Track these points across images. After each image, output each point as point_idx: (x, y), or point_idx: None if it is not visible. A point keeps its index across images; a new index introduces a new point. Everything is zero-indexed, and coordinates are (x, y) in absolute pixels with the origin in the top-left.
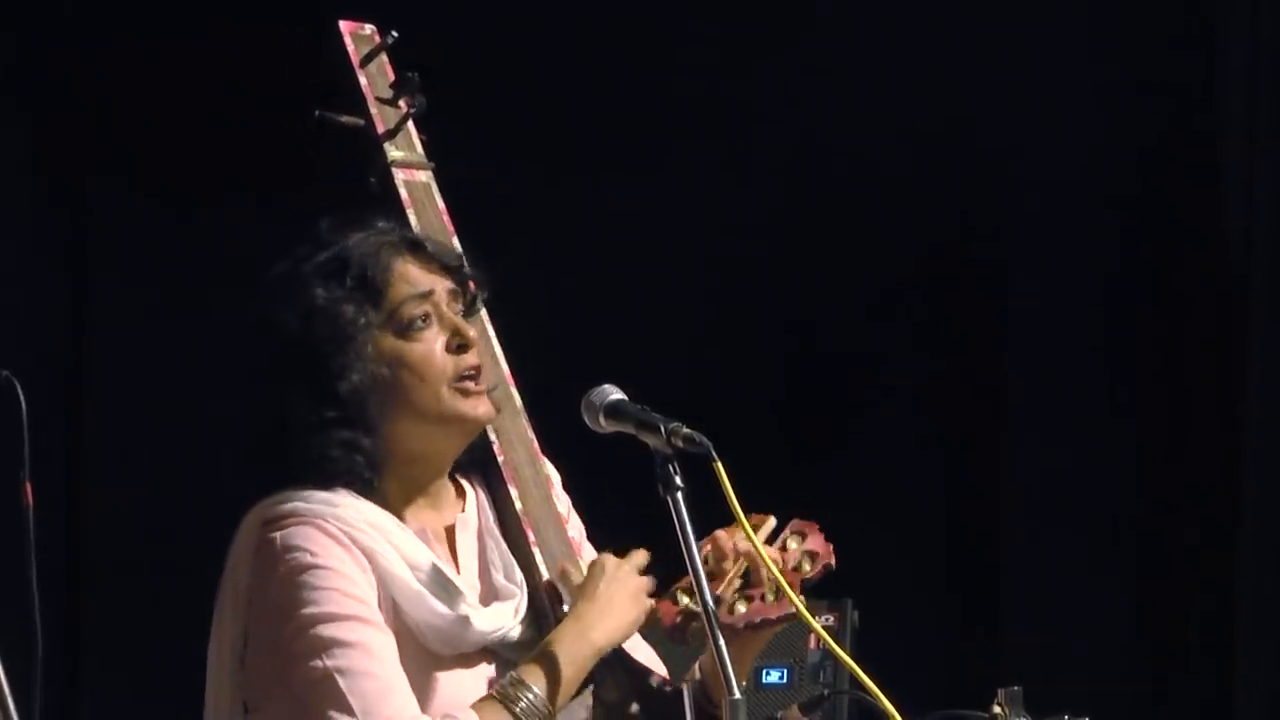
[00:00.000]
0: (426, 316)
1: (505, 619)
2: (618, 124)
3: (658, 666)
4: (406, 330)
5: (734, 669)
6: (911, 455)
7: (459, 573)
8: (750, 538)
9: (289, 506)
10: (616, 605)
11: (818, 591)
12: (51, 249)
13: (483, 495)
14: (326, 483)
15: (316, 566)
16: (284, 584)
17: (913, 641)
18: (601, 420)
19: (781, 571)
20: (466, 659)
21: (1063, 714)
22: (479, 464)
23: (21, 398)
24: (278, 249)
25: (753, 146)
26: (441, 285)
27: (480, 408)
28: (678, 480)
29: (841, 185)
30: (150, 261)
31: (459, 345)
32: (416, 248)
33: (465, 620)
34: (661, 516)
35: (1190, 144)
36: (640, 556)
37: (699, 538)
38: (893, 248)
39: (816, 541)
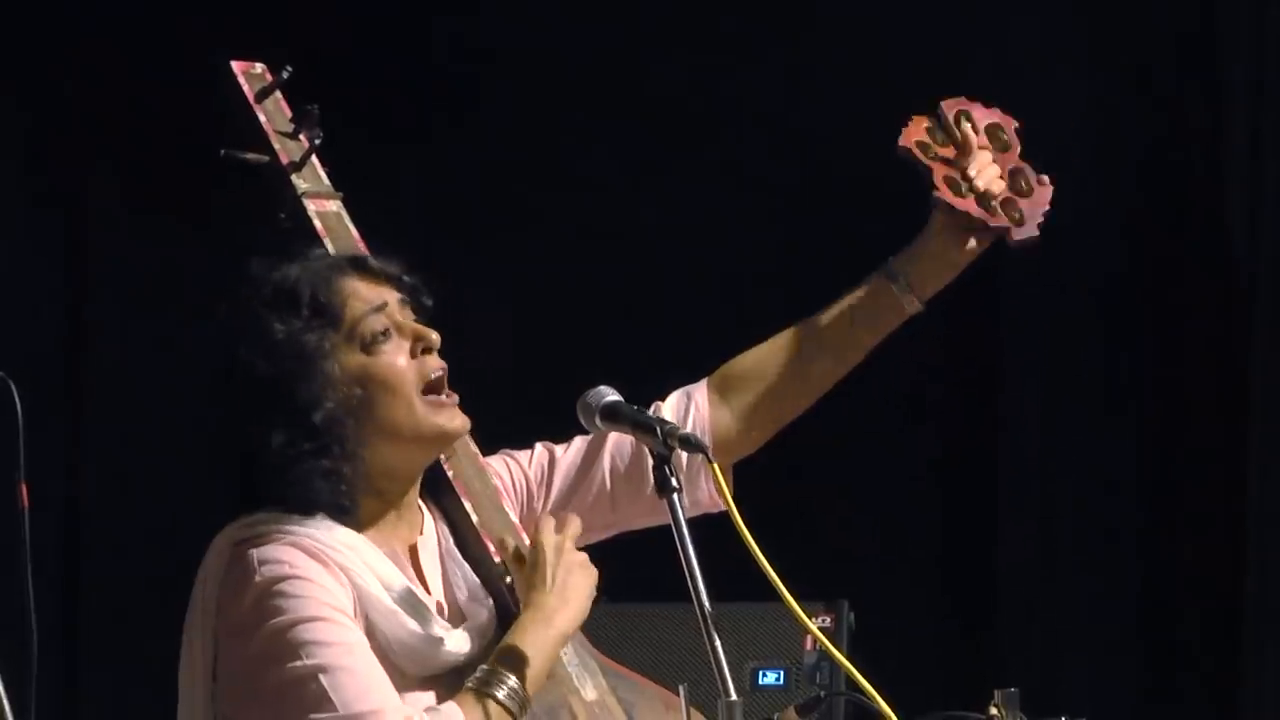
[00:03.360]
0: (386, 330)
1: (474, 640)
2: (614, 125)
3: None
4: (370, 346)
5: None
6: (908, 455)
7: (429, 593)
8: (746, 538)
9: (263, 527)
10: (571, 588)
11: (814, 593)
12: (51, 249)
13: (440, 518)
14: (306, 510)
15: (293, 577)
16: (259, 594)
17: (909, 643)
18: (598, 421)
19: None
20: (434, 680)
21: (1060, 715)
22: (428, 485)
23: (17, 399)
24: (274, 252)
25: (750, 148)
26: (392, 297)
27: (455, 420)
28: (674, 481)
29: (839, 189)
30: (149, 262)
31: (424, 350)
32: (360, 264)
33: (439, 640)
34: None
35: (1193, 146)
36: (575, 525)
37: (695, 539)
38: (888, 253)
39: (992, 115)
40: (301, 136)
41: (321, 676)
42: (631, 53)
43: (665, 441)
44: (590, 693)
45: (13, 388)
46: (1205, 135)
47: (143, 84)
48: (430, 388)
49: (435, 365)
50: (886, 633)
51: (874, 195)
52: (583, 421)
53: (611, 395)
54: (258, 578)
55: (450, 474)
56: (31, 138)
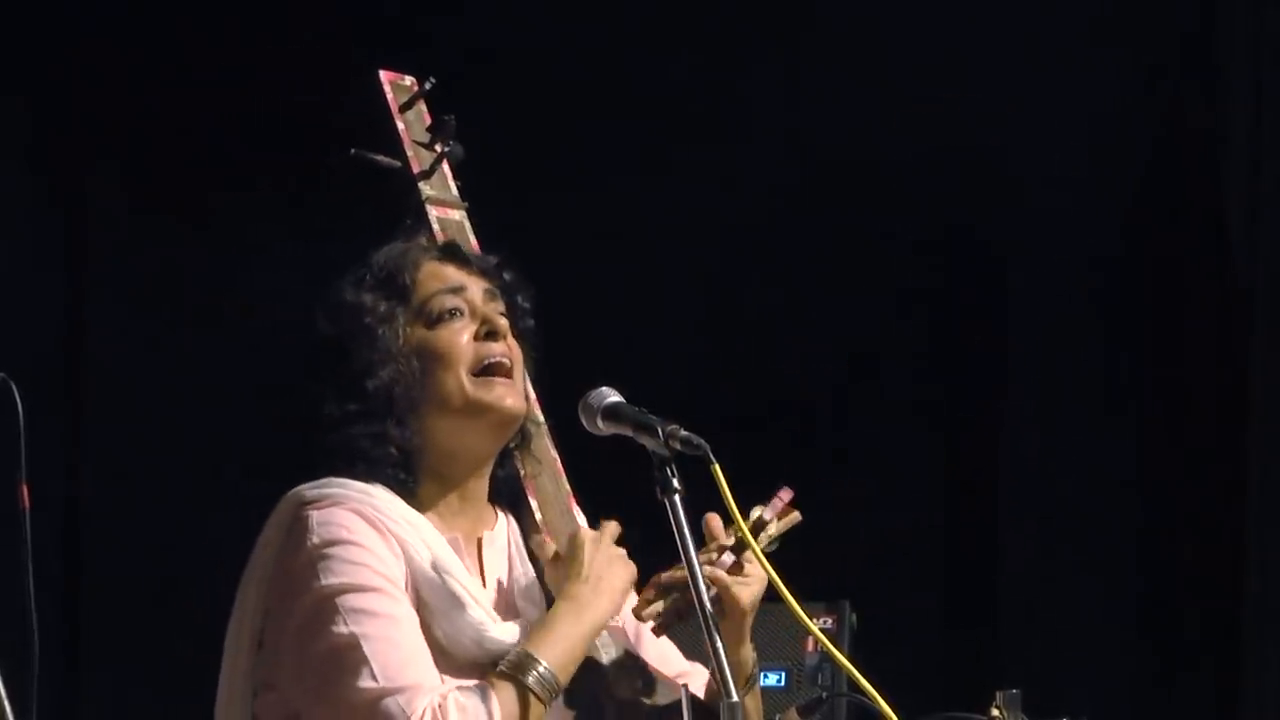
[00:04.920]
0: (457, 310)
1: (522, 635)
2: (613, 125)
3: (675, 670)
4: (435, 322)
5: (729, 660)
6: (909, 455)
7: (484, 586)
8: (747, 538)
9: (328, 491)
10: (606, 580)
11: (815, 594)
12: (51, 249)
13: (513, 522)
14: (366, 476)
15: (349, 543)
16: (313, 557)
17: (911, 644)
18: (599, 422)
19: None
20: (477, 668)
21: (1060, 715)
22: (511, 499)
23: (19, 400)
24: (276, 249)
25: (751, 143)
26: (476, 285)
27: (507, 398)
28: (675, 483)
29: (839, 184)
30: (149, 262)
31: (487, 333)
32: (451, 251)
33: (483, 629)
34: (660, 518)
35: (1193, 146)
36: (613, 528)
37: (696, 539)
38: (889, 253)
39: (772, 510)
40: (436, 145)
41: (364, 645)
42: (631, 53)
43: (667, 442)
44: (624, 690)
45: (13, 388)
46: (1205, 136)
47: (143, 84)
48: (486, 369)
49: (496, 350)
50: (888, 634)
51: (874, 195)
52: (584, 422)
53: (613, 396)
54: (314, 539)
55: (523, 471)
56: (32, 138)
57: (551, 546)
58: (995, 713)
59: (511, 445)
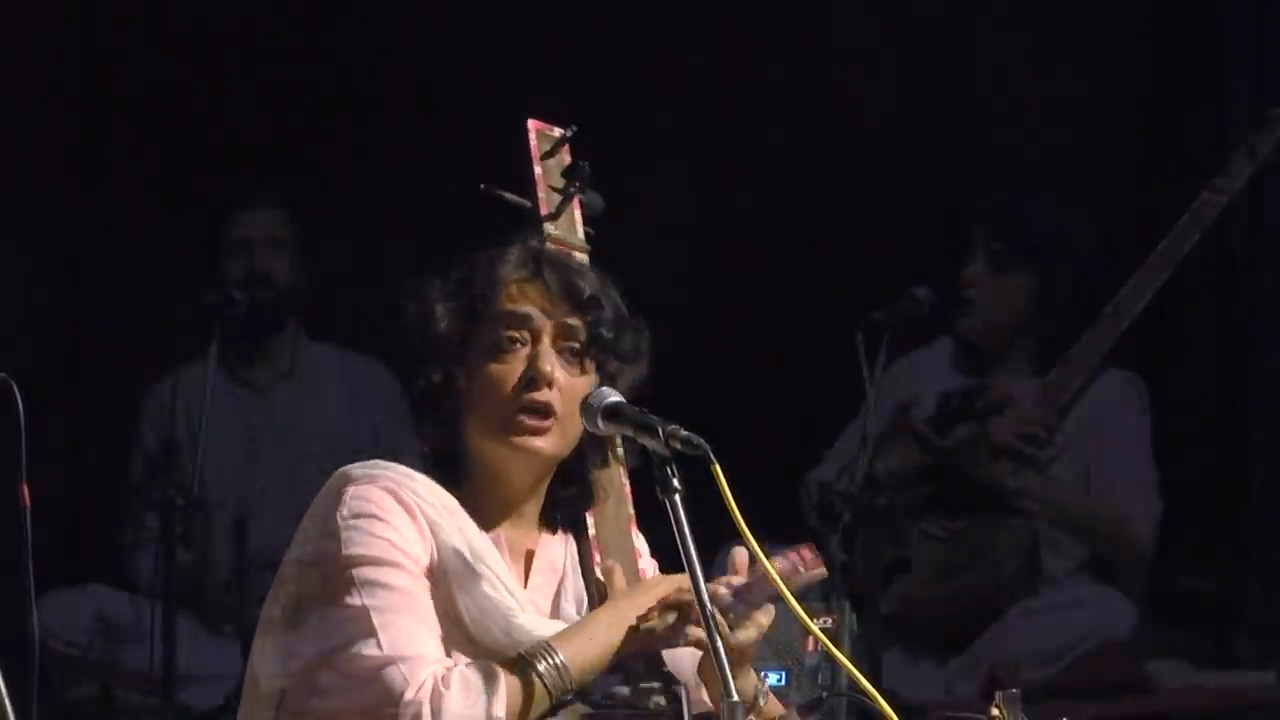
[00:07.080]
0: (516, 341)
1: (551, 631)
2: (613, 124)
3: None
4: (492, 351)
5: (734, 670)
6: None
7: (525, 588)
8: (748, 540)
9: (371, 470)
10: (655, 599)
11: (816, 593)
12: (51, 249)
13: (571, 541)
14: (411, 463)
15: (374, 517)
16: (339, 527)
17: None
18: (599, 422)
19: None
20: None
21: (1061, 716)
22: (572, 519)
23: (19, 399)
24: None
25: (752, 144)
26: (552, 316)
27: (535, 441)
28: (675, 483)
29: (840, 183)
30: (150, 263)
31: (529, 380)
32: (538, 273)
33: (511, 616)
34: (660, 519)
35: (1194, 146)
36: (685, 579)
37: (697, 540)
38: (889, 252)
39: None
40: (569, 189)
41: (374, 616)
42: (632, 51)
43: (667, 442)
44: (644, 699)
45: (14, 388)
46: (1206, 134)
47: (143, 83)
48: (523, 410)
49: (535, 400)
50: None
51: (874, 194)
52: (584, 422)
53: (614, 396)
54: (344, 511)
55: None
56: (33, 139)
57: (619, 577)
58: (995, 713)
59: (591, 465)
